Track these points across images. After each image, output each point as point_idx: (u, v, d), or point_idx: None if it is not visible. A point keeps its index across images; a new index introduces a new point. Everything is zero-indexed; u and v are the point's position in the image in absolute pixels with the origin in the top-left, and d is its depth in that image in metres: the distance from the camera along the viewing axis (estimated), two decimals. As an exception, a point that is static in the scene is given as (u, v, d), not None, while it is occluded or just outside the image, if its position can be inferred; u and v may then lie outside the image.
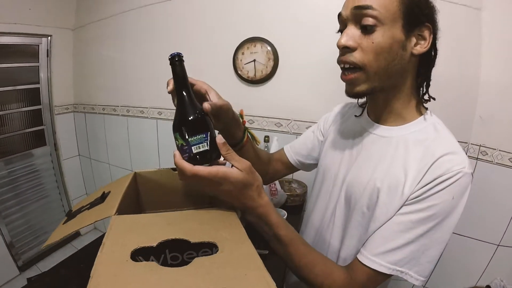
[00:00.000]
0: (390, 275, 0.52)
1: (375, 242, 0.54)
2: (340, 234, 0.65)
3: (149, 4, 1.85)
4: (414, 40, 0.52)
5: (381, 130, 0.62)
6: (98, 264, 0.36)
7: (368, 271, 0.52)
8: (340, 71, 0.57)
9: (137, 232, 0.43)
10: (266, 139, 1.52)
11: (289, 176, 1.59)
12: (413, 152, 0.54)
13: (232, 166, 0.49)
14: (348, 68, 0.54)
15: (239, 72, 1.57)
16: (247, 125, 1.65)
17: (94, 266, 0.36)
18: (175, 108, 0.50)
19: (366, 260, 0.53)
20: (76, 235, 2.72)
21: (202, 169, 0.45)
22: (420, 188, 0.51)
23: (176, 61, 0.49)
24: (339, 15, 0.55)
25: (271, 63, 1.49)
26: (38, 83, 2.30)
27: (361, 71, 0.52)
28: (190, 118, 0.47)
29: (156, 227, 0.45)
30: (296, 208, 1.45)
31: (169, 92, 0.52)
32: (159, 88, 1.89)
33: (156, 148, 2.09)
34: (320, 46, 1.39)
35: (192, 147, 0.47)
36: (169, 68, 0.50)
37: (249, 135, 0.72)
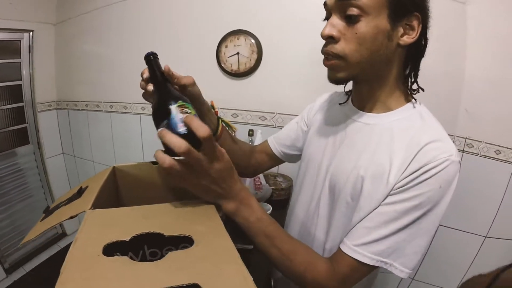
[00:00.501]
0: (374, 267, 0.51)
1: (358, 232, 0.52)
2: (325, 225, 0.64)
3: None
4: (401, 30, 0.51)
5: (366, 118, 0.61)
6: (69, 260, 0.35)
7: (351, 261, 0.51)
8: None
9: (111, 227, 0.42)
10: (250, 133, 1.51)
11: (274, 170, 1.59)
12: (398, 140, 0.53)
13: None
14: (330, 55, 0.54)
15: (222, 65, 1.55)
16: (231, 119, 1.63)
17: (65, 262, 0.35)
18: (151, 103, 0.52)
19: (349, 250, 0.52)
20: (62, 235, 2.67)
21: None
22: (406, 177, 0.49)
23: (152, 59, 0.51)
24: (325, 3, 0.54)
25: (255, 56, 1.48)
26: (20, 79, 2.23)
27: (342, 59, 0.52)
28: (180, 98, 0.48)
29: (131, 221, 0.43)
30: (281, 202, 1.44)
31: (144, 79, 0.52)
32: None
33: (140, 144, 2.07)
34: (304, 38, 1.39)
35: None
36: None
37: (223, 125, 0.71)
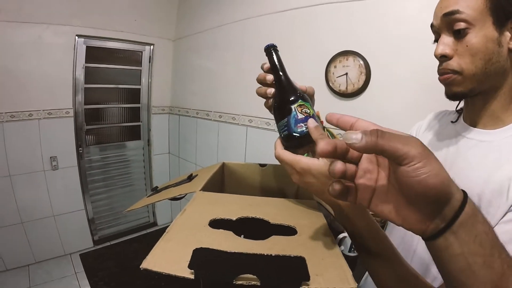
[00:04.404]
0: None
1: None
2: (424, 258, 0.57)
3: (243, 19, 1.99)
4: (508, 34, 0.50)
5: (480, 135, 0.56)
6: (175, 225, 0.38)
7: None
8: (438, 85, 0.57)
9: (219, 207, 0.44)
10: (355, 156, 1.53)
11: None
12: None
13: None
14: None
15: (330, 84, 1.59)
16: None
17: (170, 226, 0.38)
18: (269, 116, 0.50)
19: None
20: (153, 224, 2.95)
21: (288, 155, 0.42)
22: None
23: (272, 51, 0.51)
24: (432, 25, 0.56)
25: (363, 77, 1.48)
26: (139, 85, 2.64)
27: (458, 74, 0.52)
28: (301, 96, 0.47)
29: (238, 205, 0.45)
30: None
31: (264, 71, 0.52)
32: (250, 96, 1.98)
33: (243, 154, 2.14)
34: (414, 61, 1.29)
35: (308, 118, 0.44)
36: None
37: (328, 134, 0.68)
